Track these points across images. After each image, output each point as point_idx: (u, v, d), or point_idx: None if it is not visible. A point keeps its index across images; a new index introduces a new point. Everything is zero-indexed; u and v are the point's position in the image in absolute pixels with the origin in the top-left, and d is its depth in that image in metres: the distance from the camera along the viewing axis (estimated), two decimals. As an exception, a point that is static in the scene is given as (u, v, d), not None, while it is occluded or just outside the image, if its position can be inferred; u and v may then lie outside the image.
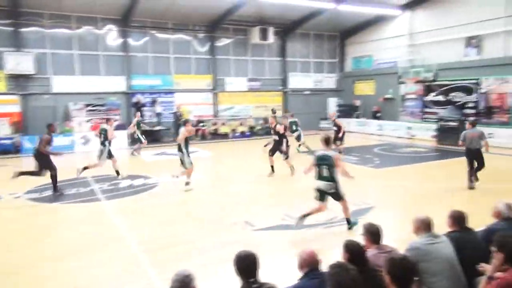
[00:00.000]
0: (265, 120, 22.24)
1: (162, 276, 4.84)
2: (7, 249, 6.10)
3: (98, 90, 18.67)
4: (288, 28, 22.69)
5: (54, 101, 17.89)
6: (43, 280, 5.04)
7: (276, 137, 11.04)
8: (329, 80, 25.26)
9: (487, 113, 16.99)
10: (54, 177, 9.15)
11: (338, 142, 13.51)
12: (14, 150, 16.15)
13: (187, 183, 9.46)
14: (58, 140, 13.73)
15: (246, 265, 3.00)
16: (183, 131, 9.53)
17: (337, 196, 6.38)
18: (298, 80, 24.00)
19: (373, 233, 3.66)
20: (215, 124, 21.09)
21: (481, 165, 9.34)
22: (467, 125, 10.14)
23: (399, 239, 5.57)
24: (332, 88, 25.36)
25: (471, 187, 9.17)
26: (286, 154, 11.13)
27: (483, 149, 9.39)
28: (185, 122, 10.00)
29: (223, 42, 21.67)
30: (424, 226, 3.63)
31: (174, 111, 19.64)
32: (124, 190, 9.74)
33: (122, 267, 5.32)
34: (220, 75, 21.62)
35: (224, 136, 20.89)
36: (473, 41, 17.69)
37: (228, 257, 3.39)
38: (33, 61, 16.96)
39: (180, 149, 9.47)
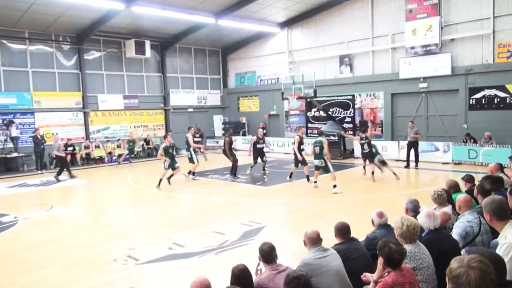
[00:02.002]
0: (146, 141, 21.49)
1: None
2: None
3: None
4: (167, 42, 22.60)
5: None
6: None
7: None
8: (213, 97, 25.74)
9: (362, 126, 19.16)
10: None
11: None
12: None
13: (315, 181, 12.04)
14: None
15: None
16: (297, 138, 12.46)
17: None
18: (180, 97, 23.90)
19: (265, 253, 3.78)
20: (87, 147, 19.67)
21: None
22: (410, 124, 15.30)
23: (293, 256, 5.88)
24: (217, 105, 25.89)
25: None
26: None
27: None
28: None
29: (93, 55, 20.51)
30: (313, 240, 3.91)
31: (34, 135, 17.64)
32: (-30, 234, 8.40)
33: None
34: (91, 92, 20.34)
35: (99, 160, 19.65)
36: (345, 60, 19.97)
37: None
38: None
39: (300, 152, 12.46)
